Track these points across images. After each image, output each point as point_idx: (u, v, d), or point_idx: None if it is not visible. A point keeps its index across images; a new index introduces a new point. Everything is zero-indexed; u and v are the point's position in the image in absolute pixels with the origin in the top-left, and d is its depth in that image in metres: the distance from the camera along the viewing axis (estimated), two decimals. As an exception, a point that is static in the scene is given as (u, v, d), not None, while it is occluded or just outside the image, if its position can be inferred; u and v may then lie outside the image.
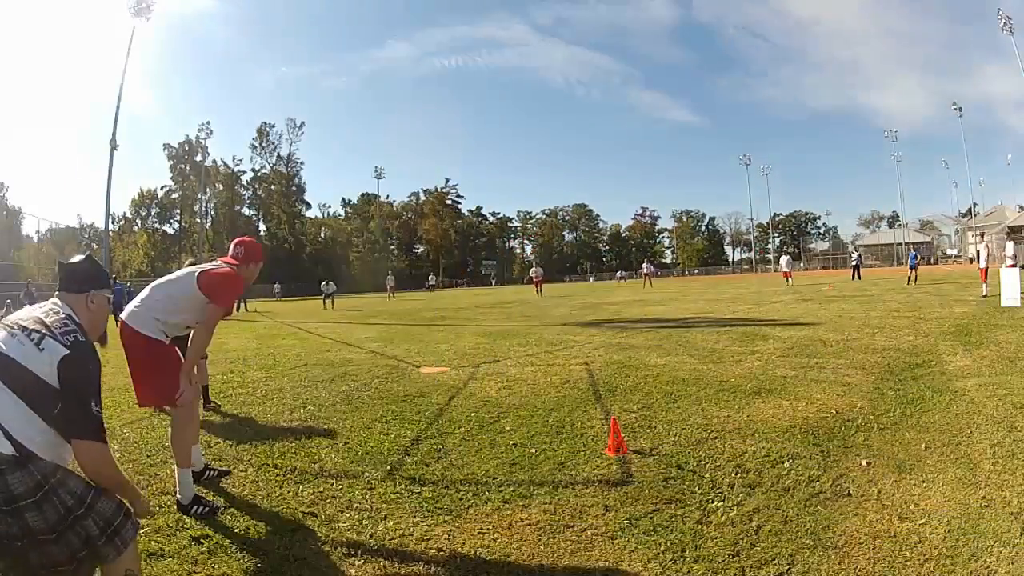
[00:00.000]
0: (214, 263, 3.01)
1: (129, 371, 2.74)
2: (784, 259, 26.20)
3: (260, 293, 44.27)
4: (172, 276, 2.97)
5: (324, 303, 24.97)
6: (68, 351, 1.64)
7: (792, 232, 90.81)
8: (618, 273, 54.62)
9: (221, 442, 3.80)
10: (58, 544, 1.53)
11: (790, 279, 24.79)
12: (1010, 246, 13.42)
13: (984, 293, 12.54)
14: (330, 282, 26.10)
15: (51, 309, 1.78)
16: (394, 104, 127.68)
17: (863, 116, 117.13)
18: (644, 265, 36.38)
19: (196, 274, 2.85)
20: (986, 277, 13.32)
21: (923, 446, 3.10)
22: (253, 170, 71.93)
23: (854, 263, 27.33)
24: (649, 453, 3.23)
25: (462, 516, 2.55)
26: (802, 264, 72.84)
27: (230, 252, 3.04)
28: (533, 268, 28.98)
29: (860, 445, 3.18)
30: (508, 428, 3.87)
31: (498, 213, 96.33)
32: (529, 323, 12.08)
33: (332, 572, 2.14)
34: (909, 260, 22.31)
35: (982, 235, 23.17)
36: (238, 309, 23.78)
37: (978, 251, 15.26)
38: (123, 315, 2.77)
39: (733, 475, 2.86)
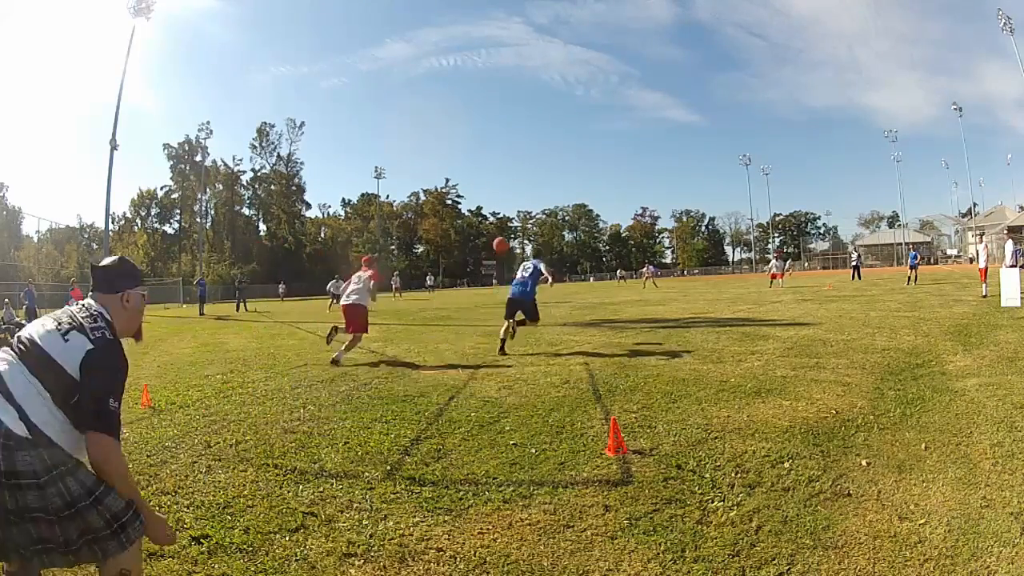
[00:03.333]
0: (368, 273, 7.46)
1: (344, 321, 7.23)
2: (773, 262, 24.53)
3: (263, 293, 44.35)
4: (358, 283, 7.38)
5: (331, 304, 22.16)
6: (92, 345, 1.67)
7: (792, 232, 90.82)
8: (618, 272, 54.50)
9: (221, 442, 3.80)
10: (53, 528, 1.52)
11: (775, 281, 23.15)
12: (1009, 245, 13.42)
13: (984, 293, 12.54)
14: (339, 278, 23.28)
15: (84, 306, 1.81)
16: (394, 104, 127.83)
17: (863, 116, 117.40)
18: (646, 267, 36.12)
19: (369, 277, 7.42)
20: (986, 277, 13.32)
21: (923, 446, 3.10)
22: (253, 170, 71.99)
23: (854, 263, 27.20)
24: (649, 453, 3.23)
25: (462, 516, 2.55)
26: (806, 264, 72.78)
27: (368, 268, 7.56)
28: None
29: (860, 445, 3.18)
30: (508, 428, 3.87)
31: (498, 213, 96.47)
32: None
33: (332, 572, 2.14)
34: (909, 260, 22.27)
35: (980, 236, 22.96)
36: (238, 309, 23.83)
37: (977, 251, 15.24)
38: (344, 300, 7.31)
39: (733, 475, 2.86)
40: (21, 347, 1.68)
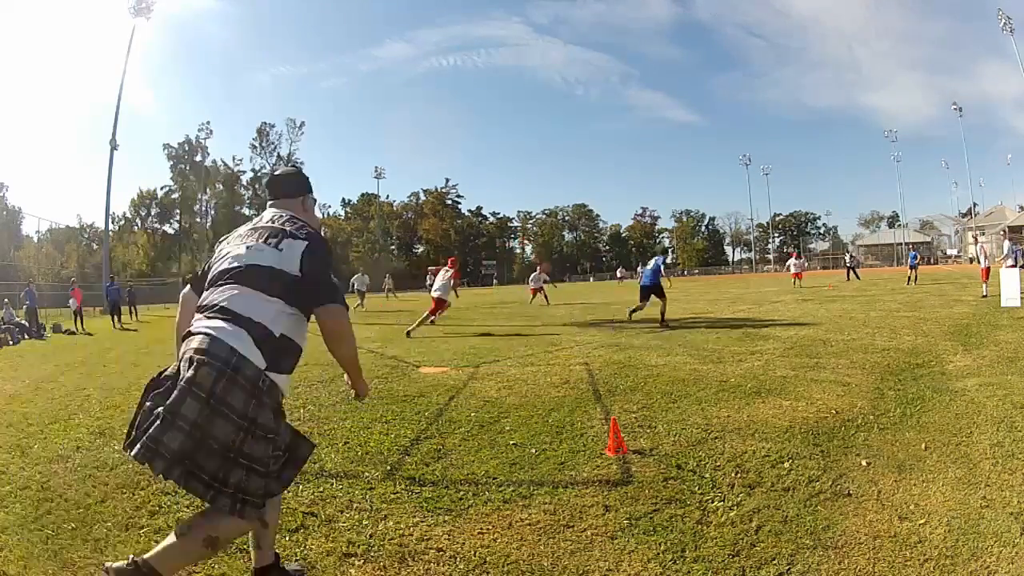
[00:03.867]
0: (451, 272, 11.17)
1: (434, 306, 10.75)
2: (792, 261, 24.11)
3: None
4: (442, 279, 10.88)
5: (357, 305, 19.68)
6: (306, 241, 1.87)
7: (792, 232, 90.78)
8: (617, 272, 54.38)
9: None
10: (209, 458, 1.63)
11: (798, 281, 22.67)
12: (1007, 245, 13.41)
13: (984, 293, 12.54)
14: (364, 274, 21.30)
15: (274, 216, 1.99)
16: (394, 104, 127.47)
17: (863, 116, 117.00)
18: (641, 267, 35.86)
19: (451, 276, 11.05)
20: (987, 277, 13.31)
21: (923, 446, 3.10)
22: (253, 170, 71.82)
23: (848, 264, 26.85)
24: (649, 453, 3.23)
25: (462, 516, 2.55)
26: (806, 264, 72.77)
27: (452, 267, 11.33)
28: (535, 273, 20.67)
29: (860, 445, 3.18)
30: (508, 428, 3.87)
31: (498, 213, 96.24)
32: (529, 323, 12.09)
33: (332, 572, 2.14)
34: (909, 260, 22.23)
35: (975, 238, 22.94)
36: None
37: (977, 252, 15.24)
38: (433, 293, 10.85)
39: (733, 475, 2.86)
40: (231, 277, 1.83)
